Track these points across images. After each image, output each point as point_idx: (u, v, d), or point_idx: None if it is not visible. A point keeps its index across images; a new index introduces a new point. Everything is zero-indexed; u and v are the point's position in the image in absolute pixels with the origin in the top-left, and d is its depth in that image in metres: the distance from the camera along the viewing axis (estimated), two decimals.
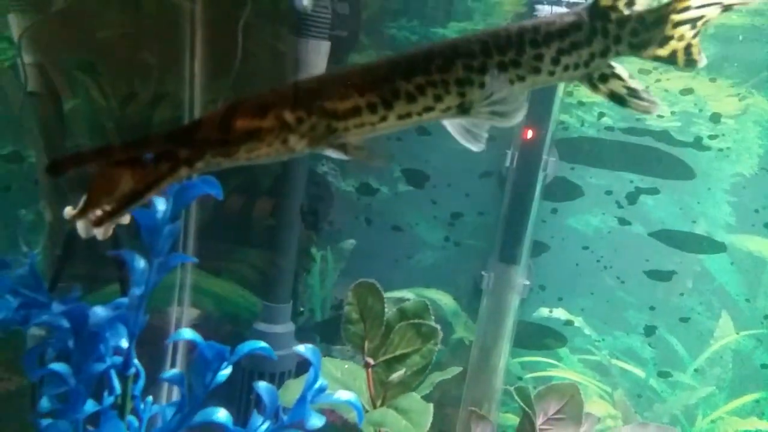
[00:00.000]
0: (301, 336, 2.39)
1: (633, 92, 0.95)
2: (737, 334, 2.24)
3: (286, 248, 2.31)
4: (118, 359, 1.21)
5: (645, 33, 0.92)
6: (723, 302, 2.25)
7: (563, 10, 2.03)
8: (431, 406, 1.69)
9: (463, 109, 0.94)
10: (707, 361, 2.27)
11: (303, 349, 1.27)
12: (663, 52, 0.93)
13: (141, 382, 1.27)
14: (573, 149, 2.24)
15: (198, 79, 2.22)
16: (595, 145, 2.23)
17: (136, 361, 1.24)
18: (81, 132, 2.19)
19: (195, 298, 2.32)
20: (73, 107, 2.14)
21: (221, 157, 0.84)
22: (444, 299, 2.44)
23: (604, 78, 0.95)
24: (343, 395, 1.31)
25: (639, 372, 2.31)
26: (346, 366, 1.99)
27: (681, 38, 0.92)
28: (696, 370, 2.27)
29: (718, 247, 2.23)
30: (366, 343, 1.67)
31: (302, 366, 2.20)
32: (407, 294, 2.42)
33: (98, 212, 0.81)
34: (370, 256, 2.46)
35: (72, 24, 2.00)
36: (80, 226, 1.59)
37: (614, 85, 0.95)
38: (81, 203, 0.83)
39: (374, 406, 1.72)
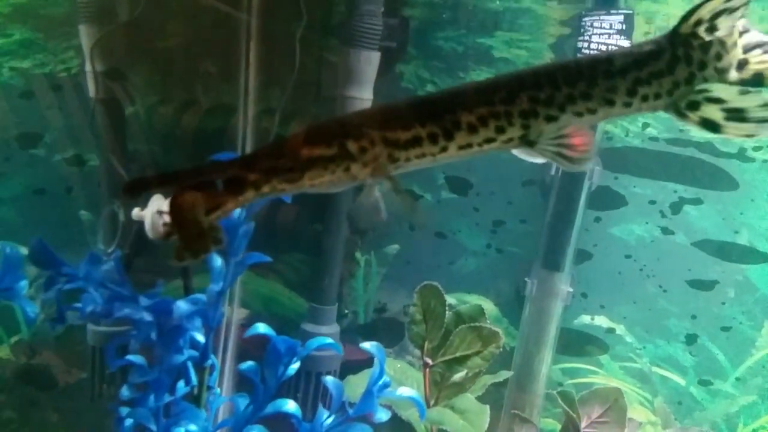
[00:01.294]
0: (345, 337, 2.44)
1: (734, 114, 0.91)
2: None
3: (332, 252, 2.37)
4: (195, 352, 1.28)
5: (727, 56, 0.91)
6: (766, 312, 2.26)
7: (612, 18, 2.08)
8: (488, 407, 1.73)
9: (527, 142, 0.94)
10: (749, 371, 2.28)
11: (368, 345, 1.32)
12: (745, 75, 0.91)
13: (216, 374, 1.33)
14: (617, 159, 2.28)
15: (252, 89, 2.30)
16: (639, 155, 2.26)
17: (212, 354, 1.31)
18: (140, 137, 2.28)
19: (244, 298, 2.38)
20: (133, 113, 2.24)
21: (286, 183, 0.87)
22: (485, 305, 2.47)
23: (695, 105, 0.93)
24: (405, 391, 1.36)
25: (679, 380, 2.33)
26: (399, 365, 2.04)
27: (761, 61, 0.91)
28: (737, 379, 2.29)
29: (760, 257, 2.24)
30: (426, 344, 1.72)
31: (346, 367, 2.26)
32: (449, 299, 2.45)
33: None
34: (413, 261, 2.51)
35: (137, 34, 2.09)
36: (148, 226, 1.67)
37: (707, 112, 0.93)
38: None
39: (428, 406, 1.76)
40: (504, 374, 2.12)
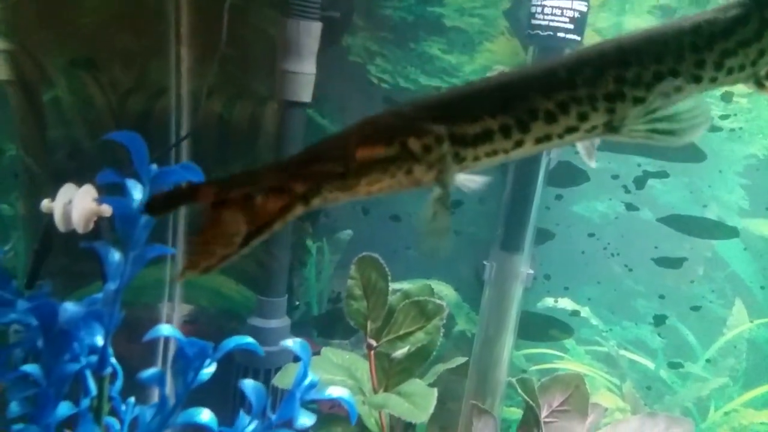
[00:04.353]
0: (298, 330, 2.31)
1: None
2: (751, 322, 2.15)
3: (280, 240, 2.22)
4: (94, 358, 1.13)
5: None
6: (736, 289, 2.15)
7: None
8: (435, 390, 1.62)
9: (611, 128, 0.81)
10: (720, 351, 2.18)
11: (291, 343, 1.18)
12: None
13: (119, 383, 1.19)
14: None
15: (185, 66, 2.13)
16: None
17: (113, 360, 1.16)
18: (62, 124, 2.11)
19: (187, 293, 2.24)
20: (53, 97, 2.06)
21: (339, 191, 0.74)
22: (445, 290, 2.35)
23: None
24: (335, 392, 1.23)
25: (648, 363, 2.22)
26: (347, 356, 1.92)
27: None
28: (708, 361, 2.18)
29: (730, 232, 2.13)
30: (369, 323, 1.59)
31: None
32: (407, 286, 2.33)
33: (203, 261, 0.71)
34: (368, 246, 2.35)
35: (47, 9, 1.91)
36: (58, 219, 1.51)
37: None
38: (188, 253, 0.74)
39: (375, 393, 1.65)
40: (458, 360, 2.01)
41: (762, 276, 2.14)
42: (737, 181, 2.12)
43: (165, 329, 1.15)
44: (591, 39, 2.12)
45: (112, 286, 1.13)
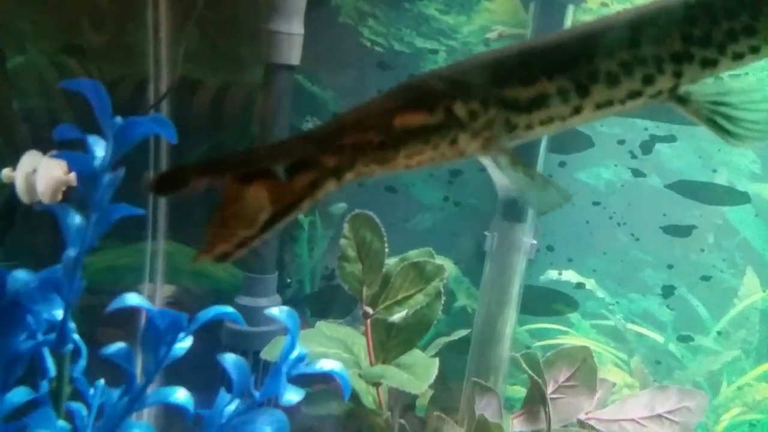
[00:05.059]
0: None
1: None
2: (764, 292, 2.05)
3: None
4: (53, 336, 1.02)
5: None
6: (748, 258, 2.05)
7: None
8: (437, 360, 1.52)
9: (677, 97, 0.73)
10: (731, 323, 2.08)
11: (277, 311, 1.07)
12: None
13: (83, 362, 1.08)
14: None
15: (164, 29, 2.00)
16: None
17: (75, 336, 1.05)
18: (34, 92, 1.98)
19: (169, 273, 2.12)
20: (23, 63, 1.93)
21: (375, 164, 0.66)
22: (445, 264, 2.24)
23: None
24: (327, 365, 1.12)
25: (657, 337, 2.13)
26: (343, 330, 1.83)
27: None
28: (719, 333, 2.09)
29: (741, 198, 2.03)
30: (364, 289, 1.48)
31: None
32: None
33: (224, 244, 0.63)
34: None
35: None
36: (21, 189, 1.39)
37: None
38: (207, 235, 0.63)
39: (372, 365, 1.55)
40: (460, 333, 1.91)
41: None
42: None
43: (131, 298, 1.03)
44: None
45: (72, 252, 1.01)
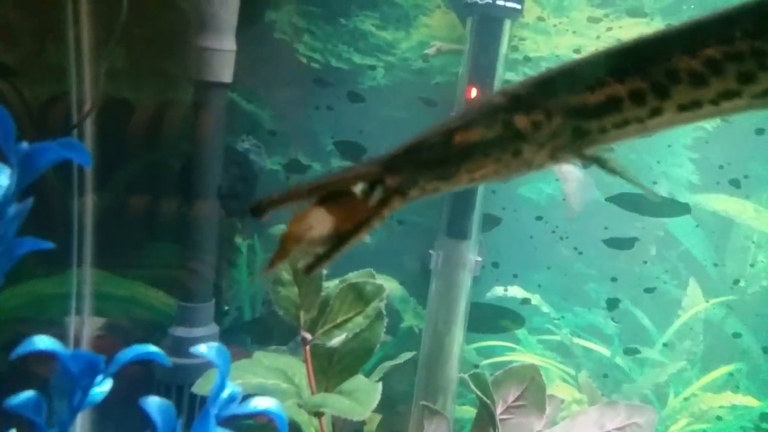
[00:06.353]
0: (229, 338, 2.09)
1: None
2: (707, 302, 2.07)
3: (204, 239, 2.01)
4: None
5: None
6: (690, 268, 2.07)
7: None
8: (379, 385, 1.45)
9: None
10: (676, 334, 2.09)
11: (204, 349, 0.99)
12: None
13: None
14: None
15: (86, 47, 1.89)
16: None
17: None
18: None
19: (98, 304, 1.99)
20: None
21: (438, 180, 0.70)
22: (390, 285, 2.18)
23: None
24: (261, 403, 1.04)
25: (604, 350, 2.12)
26: (283, 359, 1.74)
27: None
28: (665, 345, 2.09)
29: (682, 209, 2.04)
30: (302, 314, 1.40)
31: None
32: None
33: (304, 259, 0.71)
34: None
35: None
36: None
37: None
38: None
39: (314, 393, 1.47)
40: (405, 355, 1.85)
41: (715, 253, 2.06)
42: (687, 156, 2.03)
43: (40, 341, 0.93)
44: (530, 9, 2.00)
45: None
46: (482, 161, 0.70)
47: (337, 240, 0.69)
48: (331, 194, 0.69)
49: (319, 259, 0.70)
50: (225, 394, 1.00)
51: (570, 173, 0.78)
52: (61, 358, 0.92)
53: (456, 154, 0.69)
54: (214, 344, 1.02)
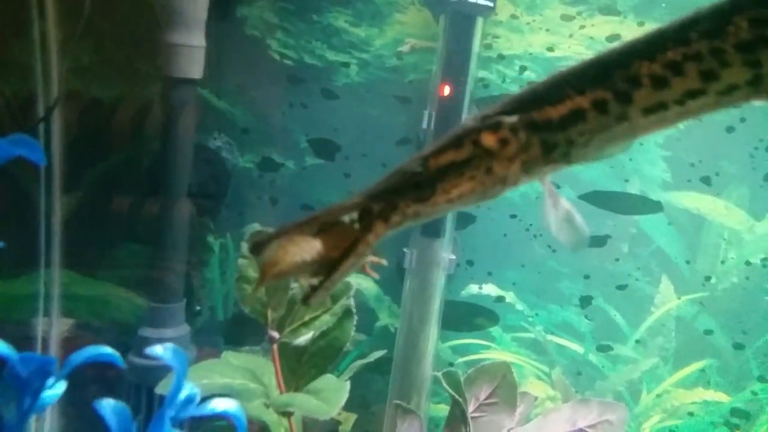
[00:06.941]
0: (201, 339, 2.08)
1: None
2: (679, 299, 2.08)
3: (175, 238, 1.98)
4: None
5: None
6: (662, 266, 2.08)
7: None
8: (348, 383, 1.43)
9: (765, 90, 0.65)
10: (649, 331, 2.10)
11: (160, 350, 0.97)
12: None
13: None
14: None
15: (52, 42, 1.86)
16: None
17: None
18: None
19: (66, 305, 1.96)
20: None
21: (416, 203, 0.73)
22: (364, 284, 2.18)
23: None
24: (220, 405, 1.02)
25: (577, 347, 2.12)
26: (251, 358, 1.72)
27: None
28: (637, 341, 2.10)
29: (654, 207, 2.05)
30: (269, 312, 1.39)
31: None
32: None
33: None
34: None
35: None
36: None
37: None
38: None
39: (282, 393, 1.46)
40: (377, 354, 1.84)
41: (687, 250, 2.07)
42: (659, 153, 2.04)
43: None
44: (504, 6, 2.00)
45: None
46: (456, 180, 0.73)
47: (328, 268, 0.72)
48: (323, 226, 0.73)
49: (314, 289, 0.74)
50: (182, 395, 0.99)
51: (553, 207, 0.83)
52: (9, 360, 0.90)
53: (430, 175, 0.72)
54: (170, 345, 1.00)
